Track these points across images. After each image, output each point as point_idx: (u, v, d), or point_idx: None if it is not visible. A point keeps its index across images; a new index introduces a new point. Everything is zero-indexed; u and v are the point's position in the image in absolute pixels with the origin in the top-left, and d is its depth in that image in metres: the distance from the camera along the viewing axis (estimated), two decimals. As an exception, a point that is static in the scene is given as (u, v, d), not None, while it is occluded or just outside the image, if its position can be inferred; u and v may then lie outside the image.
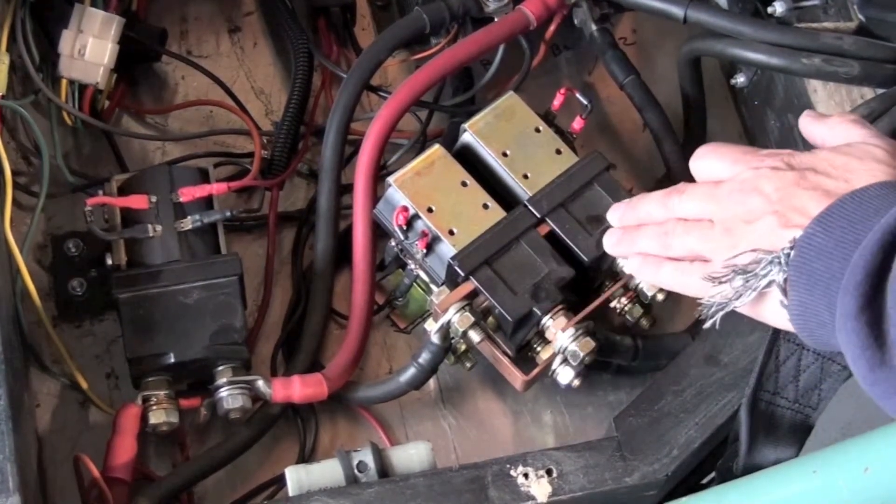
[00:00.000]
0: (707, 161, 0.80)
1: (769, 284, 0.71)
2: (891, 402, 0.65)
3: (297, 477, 0.87)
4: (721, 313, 0.75)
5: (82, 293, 1.02)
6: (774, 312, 0.73)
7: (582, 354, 0.90)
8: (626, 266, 0.85)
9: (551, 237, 0.94)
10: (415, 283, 1.01)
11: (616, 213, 0.87)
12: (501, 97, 1.00)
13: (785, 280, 0.70)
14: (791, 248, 0.70)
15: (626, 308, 0.97)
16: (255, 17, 1.18)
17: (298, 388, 0.94)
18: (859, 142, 0.75)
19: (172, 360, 0.93)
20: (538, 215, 0.94)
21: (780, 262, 0.70)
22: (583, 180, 0.96)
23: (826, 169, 0.73)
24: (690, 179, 1.06)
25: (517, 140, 0.98)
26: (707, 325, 0.76)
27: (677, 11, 1.01)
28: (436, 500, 0.84)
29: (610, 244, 0.86)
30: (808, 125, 0.81)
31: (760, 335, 0.88)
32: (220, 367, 0.95)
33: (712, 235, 0.76)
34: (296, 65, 1.10)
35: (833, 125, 0.79)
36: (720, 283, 0.74)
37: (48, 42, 1.04)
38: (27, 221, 1.02)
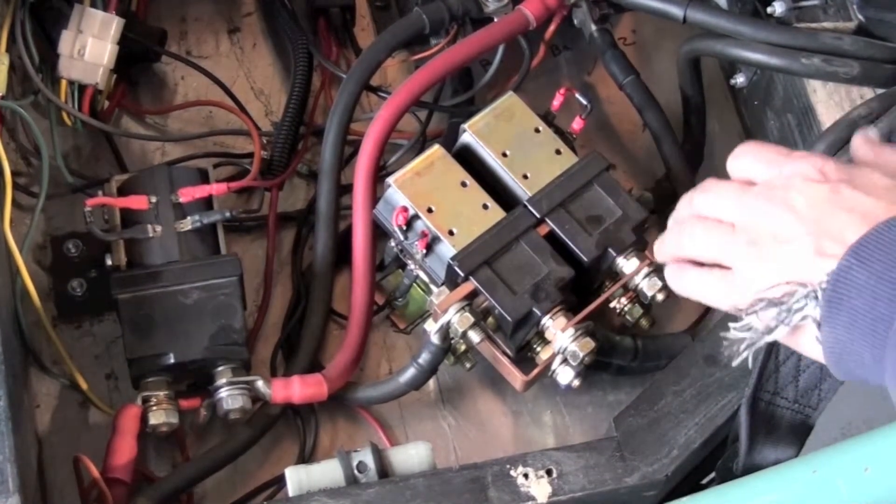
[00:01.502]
0: (745, 160, 0.75)
1: (804, 319, 0.66)
2: None
3: (296, 477, 0.87)
4: (751, 350, 0.70)
5: (82, 294, 1.02)
6: (808, 345, 0.68)
7: (582, 355, 0.90)
8: (665, 273, 0.79)
9: (551, 237, 0.94)
10: (414, 284, 1.01)
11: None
12: (501, 97, 1.00)
13: (822, 313, 0.66)
14: (828, 282, 0.65)
15: (626, 308, 0.97)
16: (254, 17, 1.18)
17: (298, 389, 0.94)
18: None
19: (172, 360, 0.93)
20: (538, 215, 0.94)
21: (816, 297, 0.65)
22: (582, 180, 0.96)
23: (865, 185, 0.68)
24: (690, 180, 1.07)
25: (517, 140, 0.98)
26: (736, 362, 0.71)
27: (677, 11, 1.01)
28: (436, 500, 0.84)
29: (655, 249, 0.81)
30: (859, 147, 0.75)
31: (760, 335, 0.88)
32: (220, 368, 0.95)
33: (735, 242, 0.71)
34: (295, 65, 1.10)
35: (884, 151, 0.73)
36: (748, 314, 0.69)
37: (48, 42, 1.04)
38: (27, 222, 1.02)
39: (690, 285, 0.75)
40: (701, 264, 0.75)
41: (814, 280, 0.66)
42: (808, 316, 0.66)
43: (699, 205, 0.75)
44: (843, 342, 0.65)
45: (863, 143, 0.75)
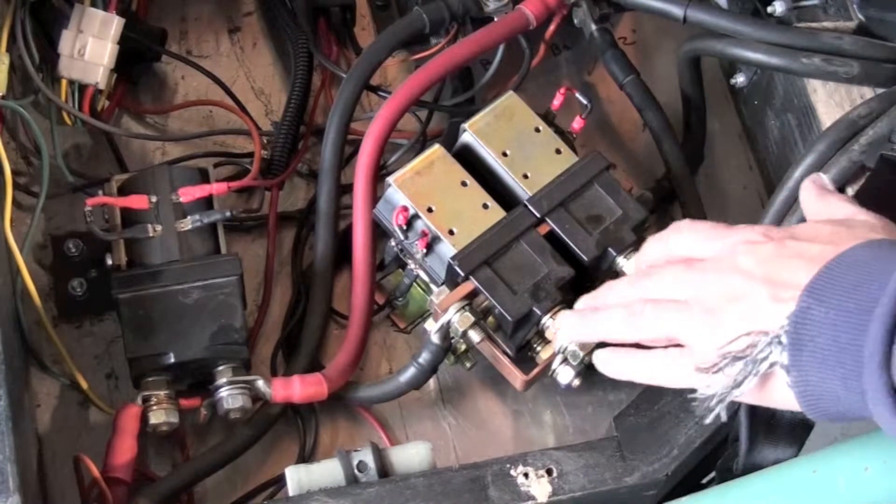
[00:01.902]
0: (683, 236, 0.75)
1: (771, 366, 0.66)
2: None
3: (297, 477, 0.87)
4: (723, 405, 0.70)
5: (82, 293, 1.02)
6: (781, 394, 0.68)
7: (582, 354, 0.90)
8: (595, 361, 0.79)
9: (551, 237, 0.94)
10: (415, 283, 1.01)
11: (581, 304, 0.82)
12: (501, 97, 1.00)
13: (788, 357, 0.66)
14: (789, 325, 0.65)
15: (626, 308, 0.97)
16: (254, 17, 1.18)
17: (298, 388, 0.95)
18: (850, 217, 0.72)
19: (172, 360, 0.93)
20: (538, 215, 0.94)
21: (780, 342, 0.65)
22: (583, 180, 0.96)
23: (809, 236, 0.69)
24: (690, 180, 1.07)
25: (517, 140, 0.98)
26: (709, 419, 0.71)
27: (677, 11, 1.01)
28: (436, 499, 0.84)
29: (567, 330, 0.82)
30: (806, 198, 0.78)
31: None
32: (220, 367, 0.95)
33: (690, 316, 0.70)
34: (295, 65, 1.10)
35: (830, 202, 0.75)
36: (713, 372, 0.69)
37: (48, 42, 1.04)
38: (27, 221, 1.02)
39: (644, 369, 0.75)
40: (643, 346, 0.75)
41: (774, 326, 0.66)
42: (776, 362, 0.66)
43: (646, 289, 0.75)
44: (814, 383, 0.65)
45: (809, 194, 0.77)
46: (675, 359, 0.73)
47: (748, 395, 0.69)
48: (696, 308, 0.71)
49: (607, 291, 0.79)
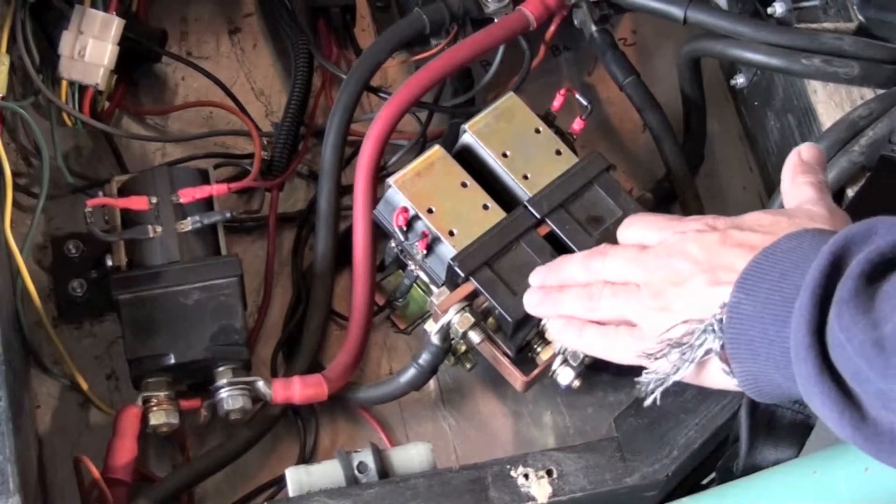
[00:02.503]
0: (634, 229, 0.79)
1: (707, 353, 0.70)
2: (887, 459, 0.62)
3: (297, 478, 0.87)
4: (661, 389, 0.74)
5: (82, 294, 1.02)
6: (717, 378, 0.72)
7: (582, 355, 0.90)
8: (549, 328, 0.83)
9: (551, 238, 0.94)
10: (415, 284, 1.01)
11: (538, 276, 0.85)
12: (501, 98, 1.00)
13: (722, 347, 0.69)
14: (721, 313, 0.69)
15: (626, 309, 0.97)
16: (254, 18, 1.18)
17: (299, 389, 0.94)
18: (801, 205, 0.75)
19: (172, 361, 0.93)
20: (538, 216, 0.94)
21: (713, 330, 0.70)
22: (583, 181, 0.96)
23: (752, 226, 0.73)
24: (690, 180, 1.07)
25: (517, 141, 0.98)
26: (648, 402, 0.75)
27: (677, 12, 1.01)
28: (436, 500, 0.84)
29: (531, 305, 0.85)
30: (784, 175, 0.79)
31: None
32: (221, 368, 0.95)
33: (640, 298, 0.75)
34: (296, 66, 1.10)
35: (797, 185, 0.78)
36: (656, 358, 0.73)
37: (48, 43, 1.04)
38: (27, 222, 1.02)
39: (593, 341, 0.79)
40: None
41: (708, 314, 0.70)
42: (711, 349, 0.70)
43: (601, 270, 0.79)
44: (754, 373, 0.69)
45: (787, 172, 0.79)
46: (624, 337, 0.77)
47: (688, 378, 0.74)
48: (646, 292, 0.75)
49: (561, 266, 0.84)
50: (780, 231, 0.71)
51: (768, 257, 0.68)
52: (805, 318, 0.63)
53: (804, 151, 0.80)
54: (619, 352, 0.78)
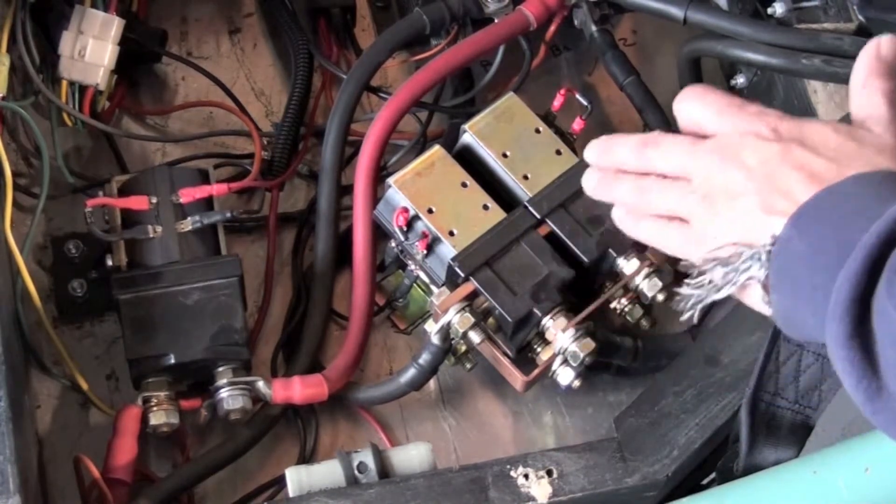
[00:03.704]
0: (691, 105, 0.75)
1: (749, 279, 0.69)
2: (894, 431, 0.62)
3: (297, 478, 0.87)
4: (700, 305, 0.73)
5: (82, 294, 1.02)
6: (755, 301, 0.71)
7: (582, 355, 0.90)
8: (612, 215, 0.81)
9: (551, 238, 0.94)
10: (415, 284, 1.01)
11: (592, 152, 0.81)
12: (501, 98, 1.00)
13: (766, 277, 0.68)
14: (772, 244, 0.67)
15: (627, 309, 0.97)
16: (255, 18, 1.18)
17: (299, 389, 0.95)
18: (868, 126, 0.71)
19: (173, 361, 0.93)
20: (538, 216, 0.94)
21: (760, 258, 0.68)
22: (583, 181, 0.96)
23: (816, 144, 0.69)
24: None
25: (517, 141, 0.98)
26: (685, 317, 0.73)
27: (677, 12, 1.01)
28: (436, 500, 0.84)
29: (588, 185, 0.82)
30: (856, 70, 0.73)
31: (761, 336, 0.88)
32: (221, 368, 0.95)
33: (691, 200, 0.73)
34: (296, 66, 1.10)
35: (867, 84, 0.72)
36: (699, 273, 0.72)
37: (48, 43, 1.04)
38: (27, 223, 1.02)
39: (647, 232, 0.78)
40: None
41: (759, 241, 0.68)
42: (753, 277, 0.69)
43: (653, 160, 0.76)
44: (788, 308, 0.67)
45: (860, 68, 0.73)
46: (676, 233, 0.75)
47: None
48: (698, 192, 0.72)
49: (613, 148, 0.80)
50: (845, 159, 0.68)
51: (831, 196, 0.65)
52: (851, 281, 0.61)
53: (885, 45, 0.73)
54: (672, 246, 0.76)
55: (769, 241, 0.68)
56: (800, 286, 0.66)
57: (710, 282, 0.71)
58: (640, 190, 0.77)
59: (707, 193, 0.72)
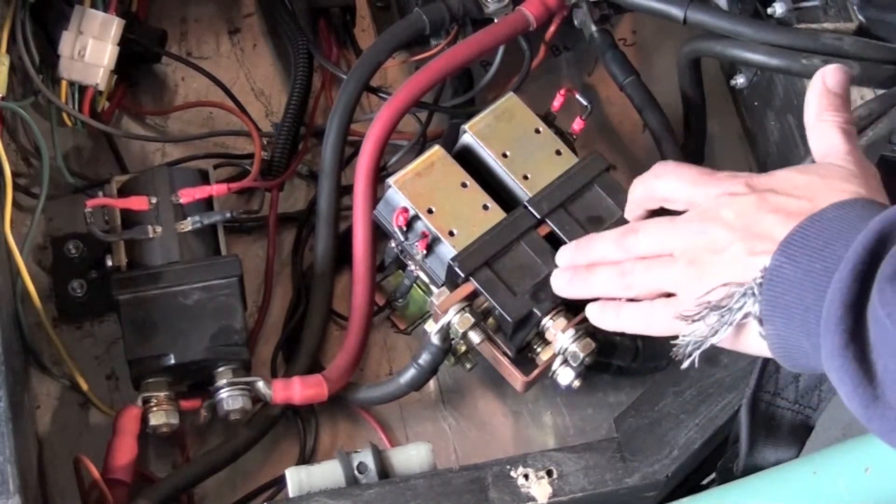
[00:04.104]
0: (666, 180, 0.78)
1: (745, 317, 0.70)
2: (890, 438, 0.63)
3: (297, 478, 0.87)
4: (698, 351, 0.73)
5: (82, 294, 1.02)
6: (755, 343, 0.71)
7: (582, 355, 0.90)
8: (586, 312, 0.83)
9: (551, 238, 0.94)
10: (415, 285, 1.01)
11: (566, 255, 0.85)
12: (501, 98, 1.00)
13: (761, 311, 0.69)
14: (762, 278, 0.68)
15: (627, 309, 0.97)
16: (254, 18, 1.18)
17: (299, 390, 0.95)
18: (829, 160, 0.74)
19: (172, 361, 0.93)
20: (538, 216, 0.94)
21: (753, 294, 0.69)
22: (583, 181, 0.96)
23: (787, 189, 0.71)
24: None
25: (517, 141, 0.98)
26: (686, 364, 0.74)
27: (677, 12, 1.01)
28: (436, 500, 0.84)
29: (560, 286, 0.84)
30: (807, 108, 0.77)
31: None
32: (221, 369, 0.95)
33: (676, 269, 0.74)
34: (296, 66, 1.10)
35: (820, 119, 0.76)
36: (694, 321, 0.72)
37: (48, 43, 1.04)
38: (27, 223, 1.02)
39: (631, 319, 0.79)
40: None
41: (749, 278, 0.69)
42: (749, 313, 0.69)
43: (634, 246, 0.78)
44: (784, 337, 0.68)
45: (810, 107, 0.76)
46: (662, 309, 0.76)
47: (725, 342, 0.73)
48: (682, 261, 0.74)
49: (591, 245, 0.83)
50: (816, 194, 0.70)
51: (814, 224, 0.67)
52: (842, 291, 0.63)
53: (829, 76, 0.77)
54: (659, 325, 0.76)
55: (759, 274, 0.69)
56: (792, 312, 0.67)
57: (706, 327, 0.72)
58: (622, 273, 0.78)
59: (692, 259, 0.73)
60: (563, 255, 0.85)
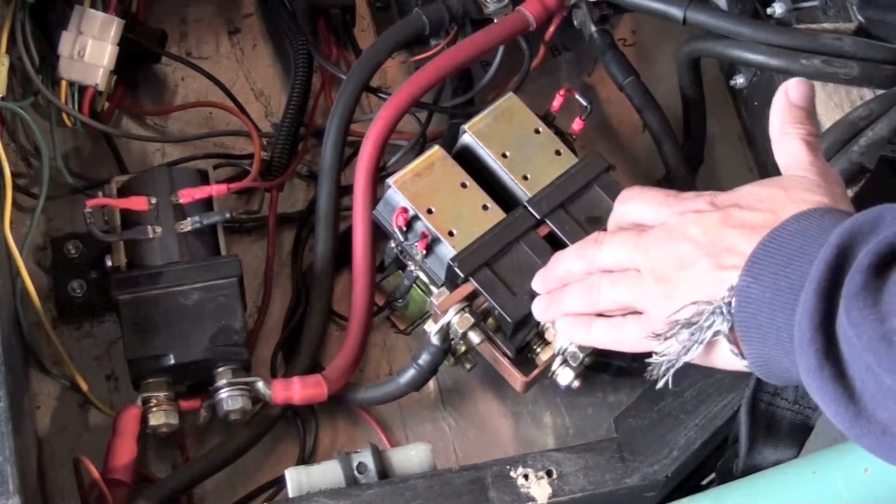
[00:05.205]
0: (633, 205, 0.78)
1: (716, 334, 0.70)
2: (878, 453, 0.62)
3: (297, 478, 0.87)
4: (672, 370, 0.73)
5: (82, 295, 1.02)
6: (726, 359, 0.71)
7: (582, 355, 0.90)
8: (557, 328, 0.82)
9: (551, 238, 0.94)
10: (414, 285, 1.01)
11: (538, 281, 0.85)
12: (501, 98, 1.00)
13: (730, 329, 0.69)
14: (730, 297, 0.68)
15: (626, 309, 0.97)
16: (254, 18, 1.18)
17: (298, 390, 0.95)
18: (792, 172, 0.74)
19: (172, 361, 0.93)
20: (538, 216, 0.94)
21: (722, 312, 0.69)
22: (582, 181, 0.96)
23: (751, 203, 0.71)
24: (690, 181, 1.07)
25: (517, 141, 0.98)
26: (660, 384, 0.74)
27: (677, 13, 1.01)
28: (436, 501, 0.84)
29: (539, 312, 0.84)
30: (774, 118, 0.77)
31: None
32: (220, 369, 0.95)
33: (643, 285, 0.74)
34: (295, 66, 1.10)
35: (784, 132, 0.76)
36: (665, 339, 0.72)
37: (48, 44, 1.04)
38: (27, 223, 1.02)
39: (602, 333, 0.78)
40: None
41: (718, 296, 0.69)
42: (719, 331, 0.69)
43: (597, 259, 0.78)
44: (763, 356, 0.68)
45: (774, 120, 0.76)
46: (632, 327, 0.76)
47: (697, 359, 0.72)
48: (649, 277, 0.74)
49: (557, 262, 0.83)
50: (778, 206, 0.70)
51: (775, 239, 0.67)
52: (809, 312, 0.63)
53: (792, 90, 0.77)
54: (629, 342, 0.77)
55: (727, 293, 0.69)
56: (766, 331, 0.67)
57: (678, 345, 0.72)
58: (589, 287, 0.78)
59: (661, 276, 0.73)
60: (537, 282, 0.85)
